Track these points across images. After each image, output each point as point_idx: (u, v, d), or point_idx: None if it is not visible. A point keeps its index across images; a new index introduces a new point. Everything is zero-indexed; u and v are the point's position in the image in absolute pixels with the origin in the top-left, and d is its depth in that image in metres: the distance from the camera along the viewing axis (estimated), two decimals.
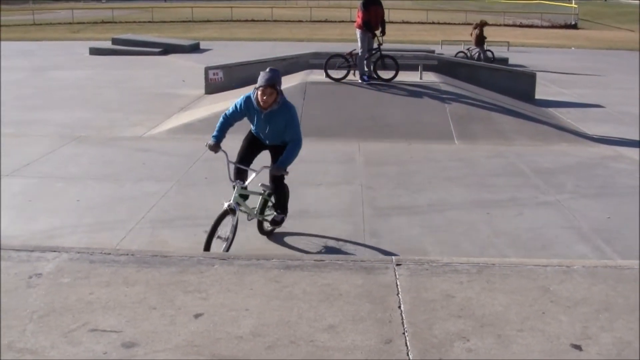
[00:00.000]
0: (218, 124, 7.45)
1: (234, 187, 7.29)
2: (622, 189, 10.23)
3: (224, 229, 7.08)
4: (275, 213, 7.86)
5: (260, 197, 7.79)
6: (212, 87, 18.10)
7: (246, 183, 7.38)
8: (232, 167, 7.40)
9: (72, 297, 4.48)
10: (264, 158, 7.61)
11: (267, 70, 7.06)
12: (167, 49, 29.77)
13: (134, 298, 4.46)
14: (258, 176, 7.42)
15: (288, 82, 15.54)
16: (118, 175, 10.50)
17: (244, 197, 7.48)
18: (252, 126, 7.57)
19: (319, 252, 7.17)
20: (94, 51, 28.93)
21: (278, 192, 7.68)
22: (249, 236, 7.94)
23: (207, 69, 18.40)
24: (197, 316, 4.23)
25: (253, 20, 52.57)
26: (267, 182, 7.59)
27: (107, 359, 3.79)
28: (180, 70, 23.57)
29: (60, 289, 4.60)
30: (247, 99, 7.25)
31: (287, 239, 7.94)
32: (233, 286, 4.66)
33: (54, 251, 5.30)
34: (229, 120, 7.44)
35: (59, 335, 4.01)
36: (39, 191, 9.62)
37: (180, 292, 4.55)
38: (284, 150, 7.28)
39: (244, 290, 4.60)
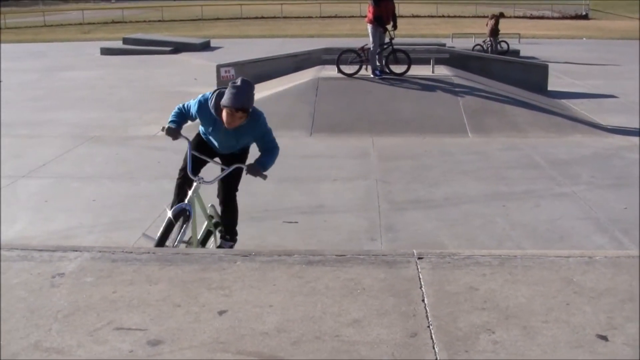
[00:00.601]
0: (174, 113, 6.26)
1: (190, 184, 6.07)
2: (638, 179, 10.17)
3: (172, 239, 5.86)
4: (221, 240, 6.68)
5: (205, 224, 6.63)
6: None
7: (211, 180, 6.12)
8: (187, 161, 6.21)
9: (96, 296, 4.49)
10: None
11: (239, 84, 5.72)
12: (178, 48, 29.87)
13: (157, 296, 4.47)
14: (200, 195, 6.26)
15: (300, 78, 15.59)
16: (133, 174, 10.54)
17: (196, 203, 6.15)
18: (201, 127, 6.35)
19: (338, 247, 7.16)
20: (105, 51, 29.07)
21: (229, 210, 6.52)
22: (262, 233, 7.94)
23: (218, 67, 18.42)
24: (221, 313, 4.23)
25: (263, 17, 52.67)
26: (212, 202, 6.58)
27: (133, 357, 3.80)
28: (191, 68, 23.64)
29: (84, 288, 4.61)
30: (203, 106, 5.98)
31: (304, 235, 7.94)
32: (256, 282, 4.66)
33: (76, 250, 5.31)
34: (183, 112, 6.25)
35: (85, 334, 4.02)
36: (55, 191, 9.67)
37: (204, 289, 4.55)
38: (242, 156, 6.33)
39: (267, 286, 4.59)
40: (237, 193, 6.52)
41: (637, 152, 11.72)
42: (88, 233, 8.04)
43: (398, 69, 15.49)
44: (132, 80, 21.25)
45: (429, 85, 15.14)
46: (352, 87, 14.99)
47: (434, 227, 8.26)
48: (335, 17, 52.96)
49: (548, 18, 52.83)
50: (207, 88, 17.99)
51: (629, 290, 4.55)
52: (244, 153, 6.42)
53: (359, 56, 15.54)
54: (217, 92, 5.92)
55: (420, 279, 4.69)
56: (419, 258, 5.06)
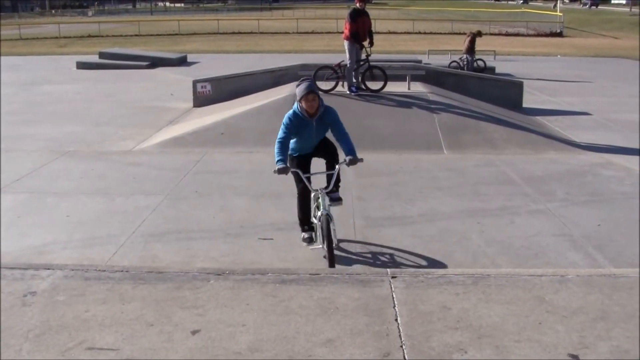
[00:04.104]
0: (277, 150, 7.47)
1: (317, 197, 7.70)
2: (612, 195, 10.28)
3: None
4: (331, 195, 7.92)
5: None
6: (201, 100, 18.07)
7: (330, 187, 7.70)
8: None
9: (68, 315, 4.45)
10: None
11: (302, 81, 7.56)
12: (155, 62, 29.73)
13: (130, 315, 4.44)
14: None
15: (277, 94, 15.59)
16: (109, 190, 10.47)
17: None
18: (295, 145, 7.81)
19: (313, 264, 7.15)
20: (81, 65, 28.85)
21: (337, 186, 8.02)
22: (238, 250, 7.92)
23: (195, 82, 18.39)
24: (194, 332, 4.22)
25: (240, 33, 52.62)
26: None
27: None
28: (168, 83, 23.55)
29: (56, 307, 4.57)
30: (294, 114, 7.52)
31: (280, 252, 7.92)
32: (229, 301, 4.64)
33: (48, 269, 5.26)
34: (284, 142, 7.53)
35: (56, 354, 3.98)
36: (30, 207, 9.58)
37: (177, 308, 4.53)
38: (329, 145, 7.99)
39: (240, 305, 4.58)
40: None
41: (610, 168, 11.83)
42: (62, 249, 7.97)
43: (374, 85, 15.53)
44: (109, 94, 21.14)
45: (405, 101, 15.19)
46: (329, 103, 14.89)
47: (409, 244, 8.27)
48: (312, 33, 53.03)
49: (523, 35, 53.21)
50: (184, 103, 18.16)
51: (600, 308, 4.59)
52: (327, 145, 8.02)
53: (336, 72, 15.56)
54: (295, 104, 7.58)
55: (393, 298, 4.70)
56: (393, 277, 5.07)
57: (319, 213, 7.48)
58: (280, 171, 7.34)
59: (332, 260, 7.16)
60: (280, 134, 7.55)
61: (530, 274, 5.25)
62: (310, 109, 7.46)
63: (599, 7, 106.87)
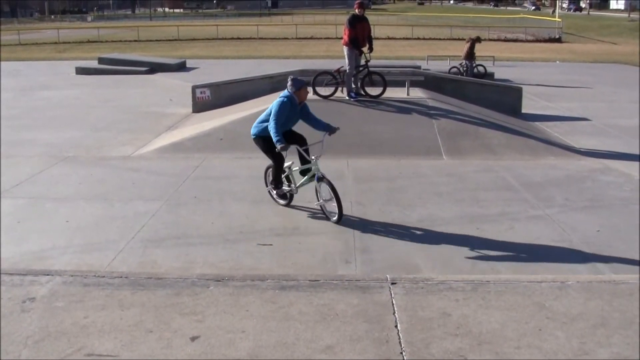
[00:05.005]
0: (276, 130, 8.92)
1: (312, 162, 9.30)
2: (611, 201, 10.27)
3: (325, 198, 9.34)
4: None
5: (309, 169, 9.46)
6: (200, 106, 18.07)
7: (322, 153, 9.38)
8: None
9: (67, 321, 4.44)
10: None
11: (293, 78, 9.34)
12: (154, 68, 29.74)
13: (129, 321, 4.42)
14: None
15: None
16: (108, 195, 10.46)
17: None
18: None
19: (313, 270, 7.14)
20: (80, 70, 28.87)
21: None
22: (237, 256, 7.90)
23: (194, 88, 18.38)
24: (193, 339, 4.20)
25: (239, 38, 52.75)
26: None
27: None
28: (167, 89, 23.56)
29: (55, 313, 4.56)
30: (291, 97, 9.19)
31: (279, 257, 7.91)
32: (229, 308, 4.63)
33: (47, 275, 5.25)
34: (280, 122, 9.02)
35: None
36: (29, 212, 9.57)
37: (176, 315, 4.51)
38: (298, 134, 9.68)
39: (239, 311, 4.57)
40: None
41: (609, 174, 11.82)
42: (61, 254, 7.95)
43: (373, 91, 15.54)
44: (108, 100, 21.14)
45: (404, 107, 15.19)
46: (328, 108, 15.00)
47: (408, 250, 8.26)
48: (311, 38, 53.14)
49: (522, 41, 53.34)
50: (183, 109, 18.19)
51: (600, 315, 4.57)
52: (297, 134, 9.65)
53: (335, 78, 15.56)
54: (289, 92, 9.22)
55: (393, 304, 4.69)
56: (393, 283, 5.06)
57: (318, 175, 9.20)
58: (283, 148, 8.86)
59: (341, 210, 9.06)
60: (277, 115, 9.01)
61: (530, 280, 5.24)
62: (305, 99, 9.37)
63: (582, 11, 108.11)
